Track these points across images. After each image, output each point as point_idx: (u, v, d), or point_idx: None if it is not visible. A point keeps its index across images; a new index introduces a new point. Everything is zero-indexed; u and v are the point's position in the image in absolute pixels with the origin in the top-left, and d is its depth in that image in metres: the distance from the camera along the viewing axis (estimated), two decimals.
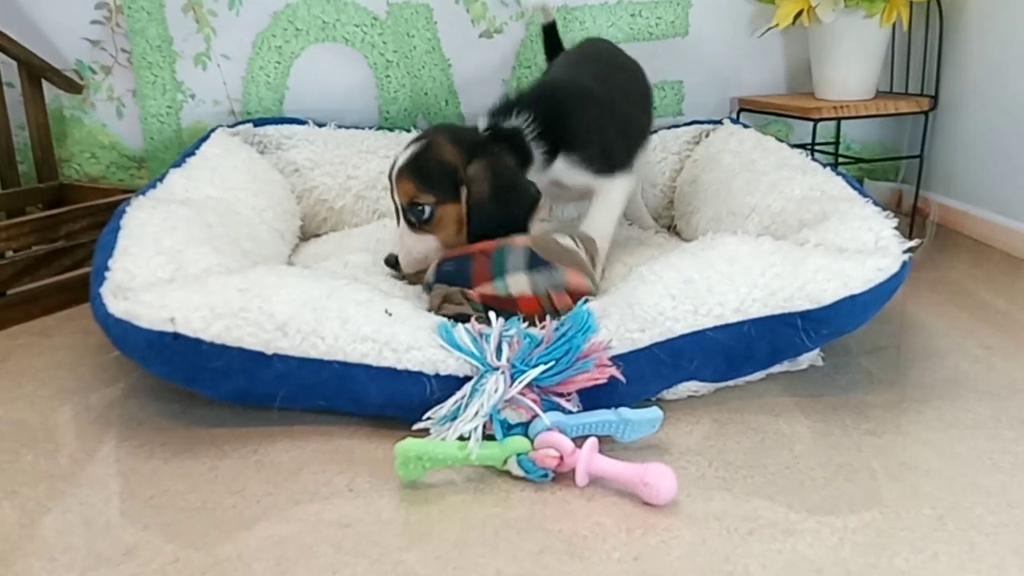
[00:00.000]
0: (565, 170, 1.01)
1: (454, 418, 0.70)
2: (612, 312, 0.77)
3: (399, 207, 0.96)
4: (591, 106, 1.02)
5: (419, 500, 0.66)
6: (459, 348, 0.73)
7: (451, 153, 0.95)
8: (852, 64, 1.35)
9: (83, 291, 0.78)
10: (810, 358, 0.84)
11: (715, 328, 0.76)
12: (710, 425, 0.77)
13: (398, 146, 1.29)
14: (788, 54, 1.49)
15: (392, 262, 1.01)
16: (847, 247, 0.81)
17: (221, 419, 0.78)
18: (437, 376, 0.73)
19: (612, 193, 1.03)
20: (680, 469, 0.69)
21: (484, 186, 0.94)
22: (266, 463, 0.71)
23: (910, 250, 0.80)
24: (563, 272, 0.84)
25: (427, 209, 0.94)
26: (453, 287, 0.87)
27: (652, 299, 0.77)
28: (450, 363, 0.73)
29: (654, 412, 0.71)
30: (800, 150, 1.12)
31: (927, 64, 1.41)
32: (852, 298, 0.76)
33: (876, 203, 0.89)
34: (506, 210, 0.94)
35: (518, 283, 0.84)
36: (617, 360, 0.74)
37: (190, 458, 0.72)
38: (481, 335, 0.75)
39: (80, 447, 0.75)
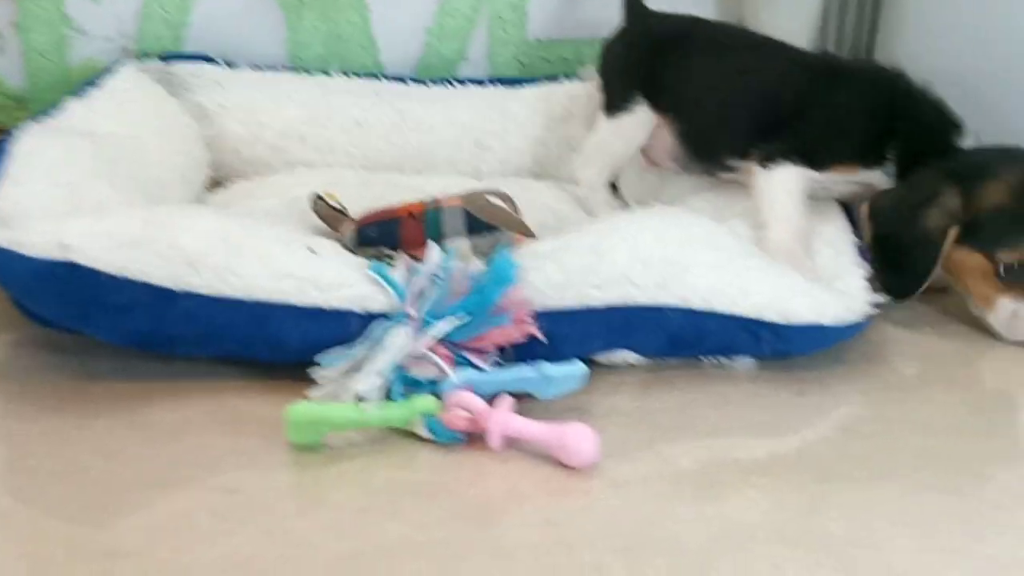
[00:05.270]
0: None
1: (356, 368, 0.63)
2: (574, 257, 0.71)
3: None
4: None
5: (315, 464, 0.59)
6: (390, 281, 0.67)
7: None
8: None
9: None
10: (746, 364, 0.76)
11: (675, 309, 0.71)
12: (635, 386, 0.72)
13: (319, 91, 1.20)
14: None
15: None
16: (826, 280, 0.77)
17: (96, 373, 0.69)
18: (367, 314, 0.66)
19: None
20: (602, 431, 0.63)
21: None
22: (144, 423, 0.63)
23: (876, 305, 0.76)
24: (509, 236, 0.78)
25: None
26: (381, 250, 0.80)
27: (623, 257, 0.71)
28: (380, 300, 0.67)
29: (578, 367, 0.66)
30: None
31: None
32: (821, 327, 0.72)
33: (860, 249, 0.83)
34: None
35: (459, 251, 0.78)
36: (565, 316, 0.68)
37: (56, 416, 0.64)
38: (410, 271, 0.68)
39: None
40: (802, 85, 0.90)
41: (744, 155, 0.89)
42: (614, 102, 1.01)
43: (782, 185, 0.85)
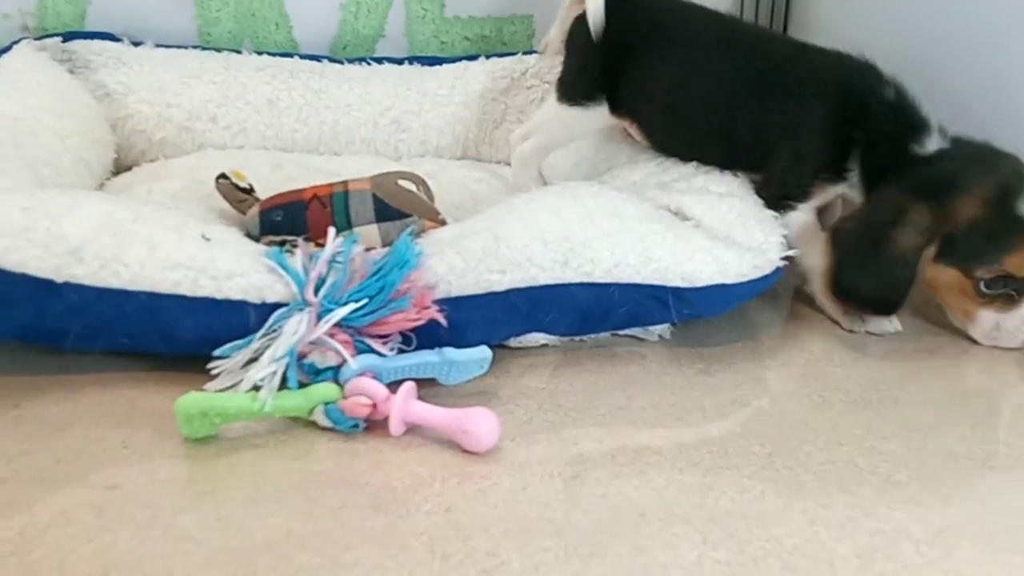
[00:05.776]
0: None
1: (253, 358, 0.62)
2: (473, 243, 0.70)
3: None
4: None
5: (207, 456, 0.58)
6: (287, 269, 0.65)
7: None
8: None
9: None
10: (660, 329, 0.78)
11: (580, 285, 0.71)
12: (546, 368, 0.72)
13: (228, 70, 1.16)
14: None
15: None
16: (732, 237, 0.77)
17: None
18: (264, 304, 0.65)
19: None
20: (507, 414, 0.64)
21: None
22: (28, 418, 0.61)
23: (787, 258, 0.77)
24: (421, 223, 0.77)
25: None
26: (285, 237, 0.78)
27: (522, 240, 0.70)
28: (278, 289, 0.65)
29: (482, 351, 0.66)
30: None
31: None
32: (724, 286, 0.73)
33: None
34: None
35: (367, 237, 0.76)
36: (469, 302, 0.68)
37: None
38: (311, 258, 0.66)
39: None
40: (758, 103, 0.87)
41: (718, 165, 0.89)
42: (569, 91, 0.95)
43: (797, 232, 0.84)
